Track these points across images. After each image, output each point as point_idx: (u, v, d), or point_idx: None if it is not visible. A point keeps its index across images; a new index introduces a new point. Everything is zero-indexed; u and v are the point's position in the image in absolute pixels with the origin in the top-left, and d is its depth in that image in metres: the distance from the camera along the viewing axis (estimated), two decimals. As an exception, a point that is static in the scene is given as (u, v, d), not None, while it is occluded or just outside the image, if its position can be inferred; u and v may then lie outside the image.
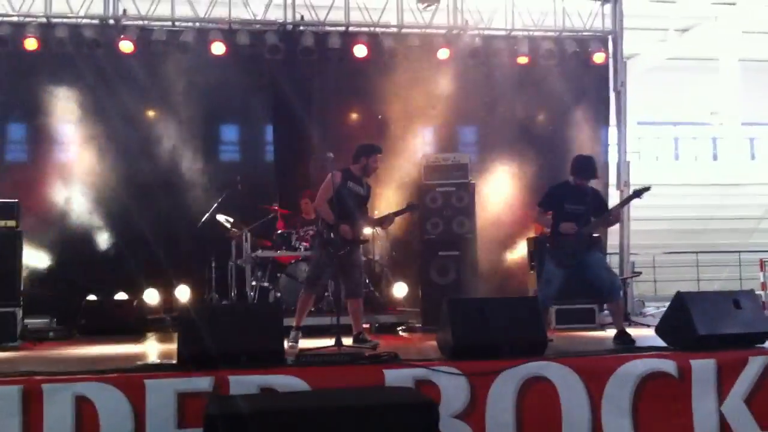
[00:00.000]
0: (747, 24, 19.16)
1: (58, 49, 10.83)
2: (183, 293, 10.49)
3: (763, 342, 6.45)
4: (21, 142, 11.50)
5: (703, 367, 5.99)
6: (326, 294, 9.80)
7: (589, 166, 7.89)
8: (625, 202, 8.45)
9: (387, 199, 10.92)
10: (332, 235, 7.57)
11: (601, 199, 8.11)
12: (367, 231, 9.01)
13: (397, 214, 8.12)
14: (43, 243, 10.29)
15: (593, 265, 7.74)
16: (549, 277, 7.88)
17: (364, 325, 8.94)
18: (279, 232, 10.24)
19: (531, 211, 8.50)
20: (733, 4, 18.41)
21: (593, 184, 8.04)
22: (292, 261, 10.09)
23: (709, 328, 6.28)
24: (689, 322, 6.29)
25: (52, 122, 10.86)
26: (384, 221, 8.20)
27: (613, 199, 10.21)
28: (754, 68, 21.58)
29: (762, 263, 13.62)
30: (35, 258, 10.16)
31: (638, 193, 7.67)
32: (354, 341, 7.56)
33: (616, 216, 8.18)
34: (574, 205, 7.76)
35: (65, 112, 10.85)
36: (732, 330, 6.35)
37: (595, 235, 8.29)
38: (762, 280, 13.36)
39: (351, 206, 7.66)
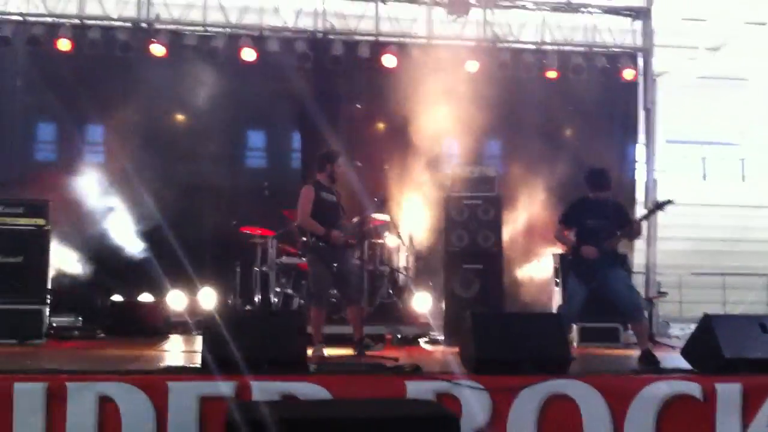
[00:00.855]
0: (778, 44, 18.99)
1: (91, 51, 10.95)
2: (207, 297, 10.53)
3: (790, 367, 6.38)
4: (51, 142, 11.64)
5: (729, 391, 5.92)
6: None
7: (602, 178, 7.81)
8: (648, 215, 8.31)
9: (412, 209, 10.93)
10: (324, 245, 7.77)
11: (623, 211, 8.01)
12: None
13: (367, 216, 8.30)
14: (71, 242, 10.35)
15: (615, 282, 7.60)
16: (571, 293, 7.81)
17: (387, 336, 9.05)
18: (304, 239, 10.24)
19: (553, 228, 8.41)
20: (764, 24, 18.26)
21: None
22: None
23: (735, 352, 6.20)
24: (716, 345, 6.22)
25: (82, 123, 10.96)
26: (362, 223, 8.37)
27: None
28: (784, 89, 21.37)
29: (789, 287, 13.47)
30: (63, 257, 10.23)
31: (660, 206, 7.58)
32: (356, 348, 7.58)
33: (638, 230, 7.98)
34: (596, 219, 7.68)
35: (95, 114, 10.95)
36: (759, 354, 6.26)
37: (622, 252, 8.20)
38: (789, 303, 13.21)
39: (331, 215, 7.89)
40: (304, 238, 8.10)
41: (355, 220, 8.48)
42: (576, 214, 7.86)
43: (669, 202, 7.52)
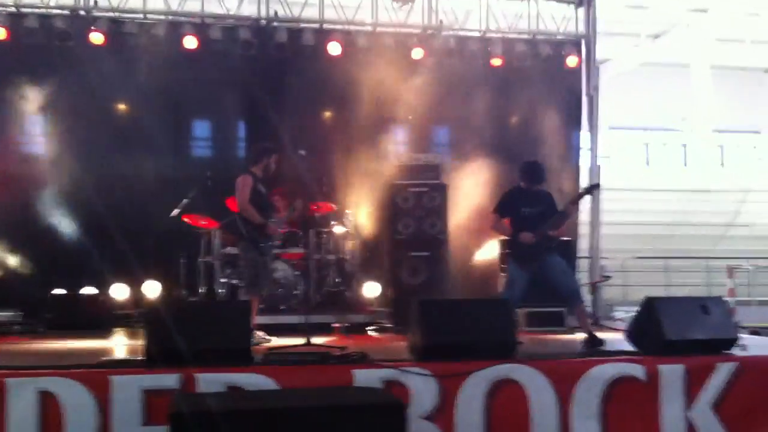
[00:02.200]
0: (719, 31, 19.34)
1: (28, 40, 10.68)
2: (151, 289, 10.37)
3: (731, 348, 6.49)
4: (-12, 134, 11.31)
5: (672, 372, 6.02)
6: (295, 292, 9.77)
7: (536, 172, 7.98)
8: (576, 199, 8.40)
9: (358, 197, 10.89)
10: (259, 234, 7.94)
11: (553, 200, 8.15)
12: None
13: (291, 214, 8.55)
14: (9, 236, 10.15)
15: (552, 268, 7.78)
16: (512, 279, 7.92)
17: (335, 324, 9.03)
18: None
19: (487, 218, 8.50)
20: (705, 10, 18.58)
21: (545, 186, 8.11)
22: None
23: (677, 333, 6.31)
24: (658, 327, 6.32)
25: (19, 114, 10.69)
26: (290, 216, 8.61)
27: (586, 203, 10.25)
28: (725, 75, 21.76)
29: (730, 269, 13.74)
30: (1, 250, 10.01)
31: (588, 191, 7.87)
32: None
33: (569, 212, 8.13)
34: (530, 207, 7.84)
35: (33, 104, 10.69)
36: (700, 335, 6.38)
37: (565, 238, 8.29)
38: (730, 286, 13.47)
39: (265, 207, 8.11)
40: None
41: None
42: (510, 204, 7.97)
43: (596, 186, 7.72)
